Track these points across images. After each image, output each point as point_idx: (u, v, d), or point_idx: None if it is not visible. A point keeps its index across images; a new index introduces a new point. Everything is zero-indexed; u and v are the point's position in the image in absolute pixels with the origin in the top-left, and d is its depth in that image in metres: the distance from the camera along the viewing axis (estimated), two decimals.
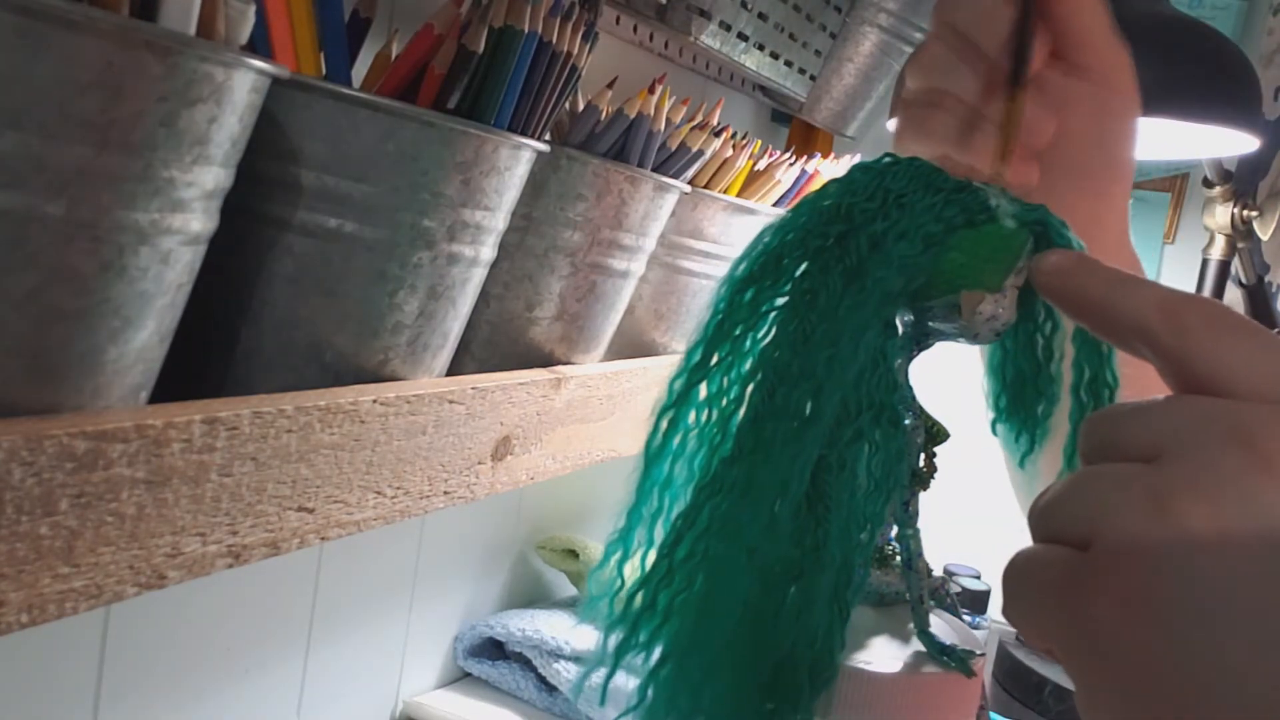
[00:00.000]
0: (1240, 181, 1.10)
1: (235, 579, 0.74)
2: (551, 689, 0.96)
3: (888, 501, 0.35)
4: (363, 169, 0.46)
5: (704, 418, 0.35)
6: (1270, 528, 0.24)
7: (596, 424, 0.69)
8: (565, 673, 0.94)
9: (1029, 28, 0.40)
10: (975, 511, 1.18)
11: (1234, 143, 0.90)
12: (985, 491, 0.93)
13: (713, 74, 1.19)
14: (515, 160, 0.52)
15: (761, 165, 0.83)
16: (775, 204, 0.85)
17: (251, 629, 0.77)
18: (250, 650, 0.78)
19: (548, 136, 0.57)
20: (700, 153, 0.70)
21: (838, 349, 0.33)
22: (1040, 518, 0.28)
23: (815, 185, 0.67)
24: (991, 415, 0.40)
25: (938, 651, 0.38)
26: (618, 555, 0.36)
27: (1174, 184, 1.43)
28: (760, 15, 1.03)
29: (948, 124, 0.41)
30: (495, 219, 0.53)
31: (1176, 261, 1.42)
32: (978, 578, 1.27)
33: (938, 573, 0.41)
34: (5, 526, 0.33)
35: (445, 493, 0.55)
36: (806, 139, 1.35)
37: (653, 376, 0.74)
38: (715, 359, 0.35)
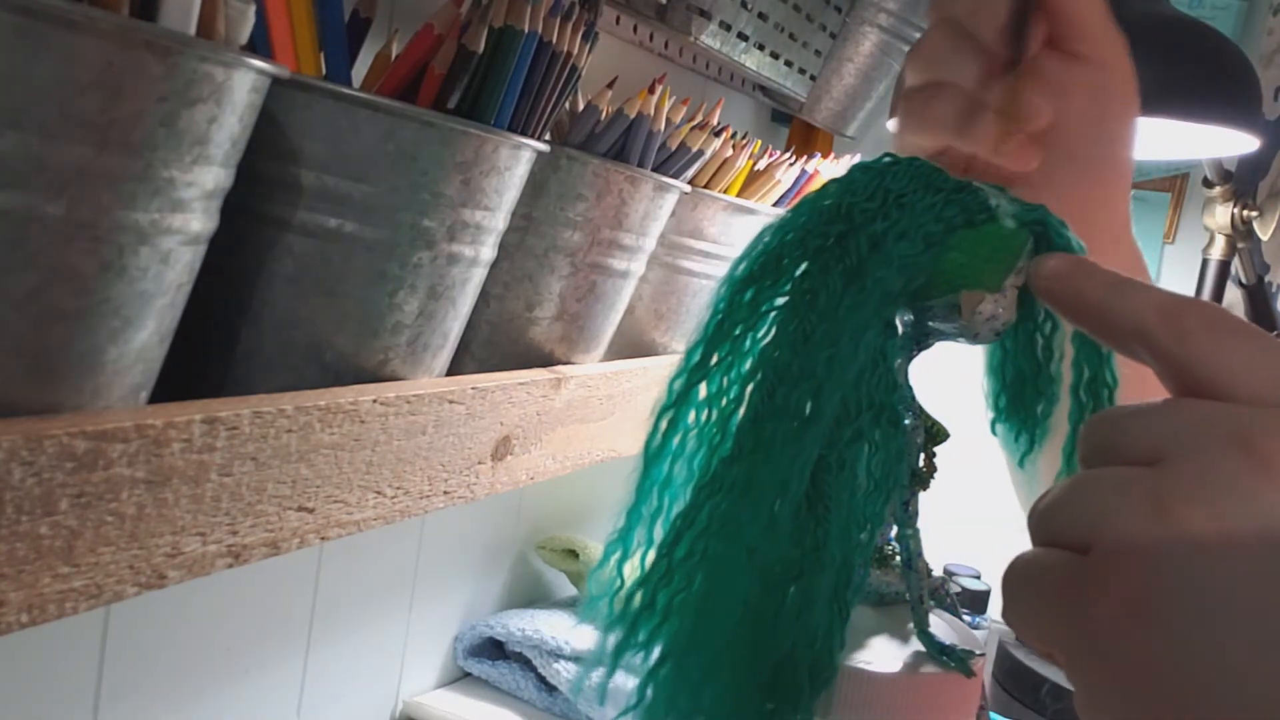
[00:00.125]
0: (1240, 181, 1.10)
1: (235, 579, 0.74)
2: (551, 689, 0.96)
3: (888, 501, 0.35)
4: (363, 169, 0.46)
5: (704, 417, 0.35)
6: (1270, 529, 0.24)
7: (596, 424, 0.69)
8: (565, 673, 0.94)
9: (1027, 11, 0.40)
10: (975, 511, 1.18)
11: (1234, 143, 0.90)
12: (985, 491, 0.93)
13: (713, 74, 1.19)
14: (515, 160, 0.52)
15: (761, 165, 0.83)
16: (775, 204, 0.85)
17: (251, 629, 0.77)
18: (250, 650, 0.78)
19: (548, 136, 0.57)
20: (700, 153, 0.70)
21: (838, 349, 0.33)
22: (1040, 521, 0.28)
23: (815, 185, 0.67)
24: (991, 415, 0.40)
25: (938, 651, 0.38)
26: (617, 555, 0.36)
27: (1174, 184, 1.43)
28: (760, 15, 1.03)
29: (947, 113, 0.41)
30: (495, 219, 0.53)
31: (1176, 261, 1.42)
32: (978, 578, 1.27)
33: (938, 573, 0.41)
34: (5, 526, 0.33)
35: (445, 493, 0.55)
36: (806, 139, 1.35)
37: (653, 376, 0.74)
38: (715, 359, 0.35)
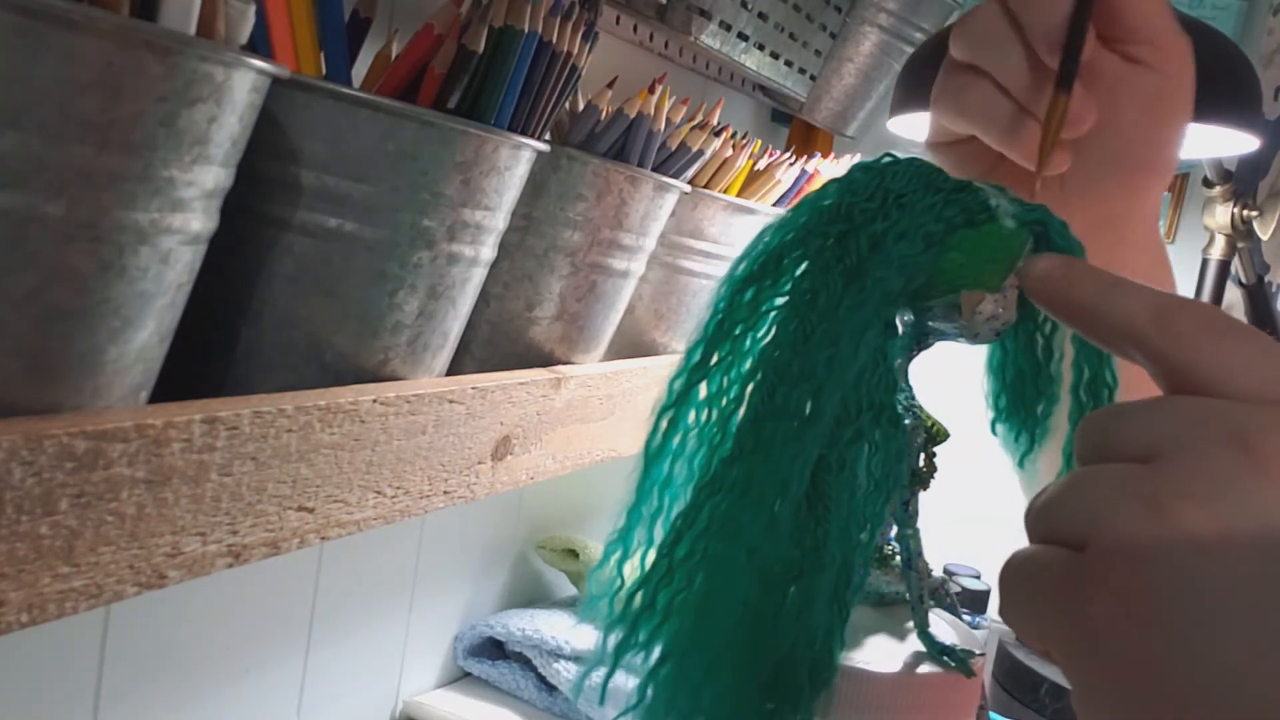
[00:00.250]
0: (1240, 181, 1.09)
1: (235, 579, 0.74)
2: (551, 689, 0.96)
3: (888, 501, 0.35)
4: (363, 169, 0.46)
5: (704, 417, 0.35)
6: (1267, 528, 0.24)
7: (596, 424, 0.69)
8: (565, 672, 0.94)
9: (1084, 25, 0.38)
10: (975, 511, 1.18)
11: (1234, 143, 0.90)
12: (985, 491, 0.93)
13: (713, 74, 1.19)
14: (515, 160, 0.52)
15: (761, 165, 0.83)
16: (775, 204, 0.85)
17: (251, 629, 0.77)
18: (250, 650, 0.78)
19: (548, 136, 0.57)
20: (700, 153, 0.70)
21: (838, 349, 0.33)
22: (1036, 518, 0.28)
23: (815, 185, 0.67)
24: (991, 415, 0.40)
25: (938, 651, 0.38)
26: (618, 555, 0.36)
27: (1174, 184, 1.43)
28: (760, 15, 1.03)
29: (984, 108, 0.40)
30: (495, 219, 0.53)
31: (1176, 261, 1.41)
32: (978, 578, 1.27)
33: (938, 573, 0.41)
34: (5, 526, 0.33)
35: (445, 492, 0.55)
36: (806, 139, 1.35)
37: (653, 376, 0.74)
38: (715, 359, 0.35)
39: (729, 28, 0.99)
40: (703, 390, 0.35)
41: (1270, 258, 1.22)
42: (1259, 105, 0.87)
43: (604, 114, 0.63)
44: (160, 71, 0.34)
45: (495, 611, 1.04)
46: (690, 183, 0.73)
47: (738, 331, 0.35)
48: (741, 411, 0.35)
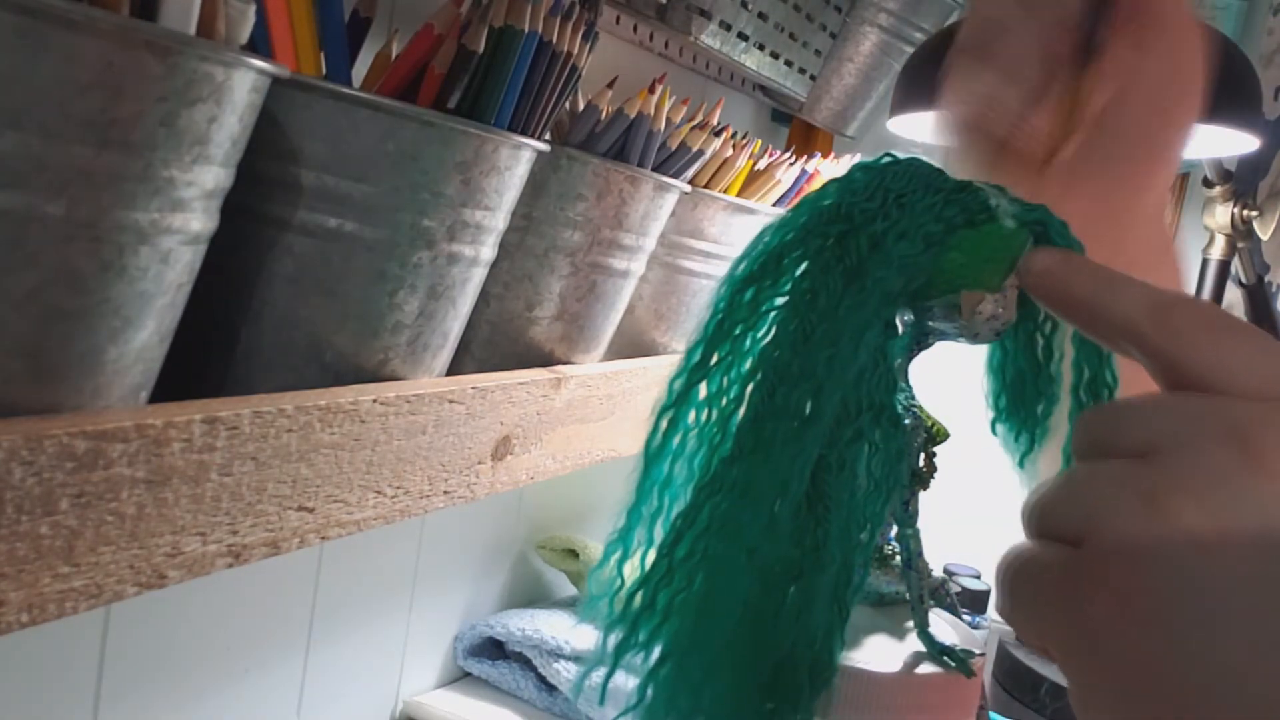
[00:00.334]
0: (1240, 181, 1.10)
1: (235, 579, 0.74)
2: (551, 689, 0.96)
3: (888, 501, 0.35)
4: (363, 169, 0.46)
5: (704, 417, 0.35)
6: (1265, 526, 0.24)
7: (596, 424, 0.69)
8: (565, 672, 0.94)
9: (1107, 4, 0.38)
10: (975, 511, 1.18)
11: (1234, 143, 0.90)
12: (985, 491, 0.93)
13: (713, 74, 1.19)
14: (515, 160, 0.52)
15: (761, 165, 0.83)
16: (775, 204, 0.85)
17: (251, 629, 0.77)
18: (250, 650, 0.78)
19: (548, 136, 0.57)
20: (700, 152, 0.70)
21: (838, 349, 0.33)
22: (1033, 515, 0.28)
23: (815, 185, 0.67)
24: (991, 415, 0.40)
25: (938, 651, 0.38)
26: (618, 555, 0.36)
27: (1174, 184, 1.43)
28: (760, 15, 1.03)
29: (997, 90, 0.40)
30: (495, 219, 0.53)
31: None
32: (978, 578, 1.27)
33: (938, 573, 0.41)
34: (5, 526, 0.33)
35: (445, 492, 0.55)
36: (806, 139, 1.35)
37: (653, 376, 0.74)
38: (715, 359, 0.35)
39: (729, 28, 0.99)
40: (703, 390, 0.35)
41: (1270, 258, 1.22)
42: (1259, 105, 0.87)
43: (604, 114, 0.63)
44: (160, 71, 0.34)
45: (495, 611, 1.04)
46: (690, 183, 0.73)
47: (738, 331, 0.35)
48: (741, 411, 0.35)
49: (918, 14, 1.20)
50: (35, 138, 0.32)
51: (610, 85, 0.64)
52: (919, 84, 0.92)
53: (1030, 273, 0.32)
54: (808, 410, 0.34)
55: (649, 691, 0.34)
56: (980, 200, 0.34)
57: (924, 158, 0.36)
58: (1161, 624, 0.25)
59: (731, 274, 0.35)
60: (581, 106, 0.64)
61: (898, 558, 0.40)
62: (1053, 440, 0.38)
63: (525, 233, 0.61)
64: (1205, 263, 1.13)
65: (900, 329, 0.36)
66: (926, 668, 0.37)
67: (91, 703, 0.65)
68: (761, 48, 1.06)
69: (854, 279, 0.34)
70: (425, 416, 0.51)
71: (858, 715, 0.36)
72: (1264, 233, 1.10)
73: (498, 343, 0.62)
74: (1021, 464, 0.39)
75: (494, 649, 1.01)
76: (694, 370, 0.35)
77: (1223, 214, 1.10)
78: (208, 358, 0.47)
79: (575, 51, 0.54)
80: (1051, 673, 1.17)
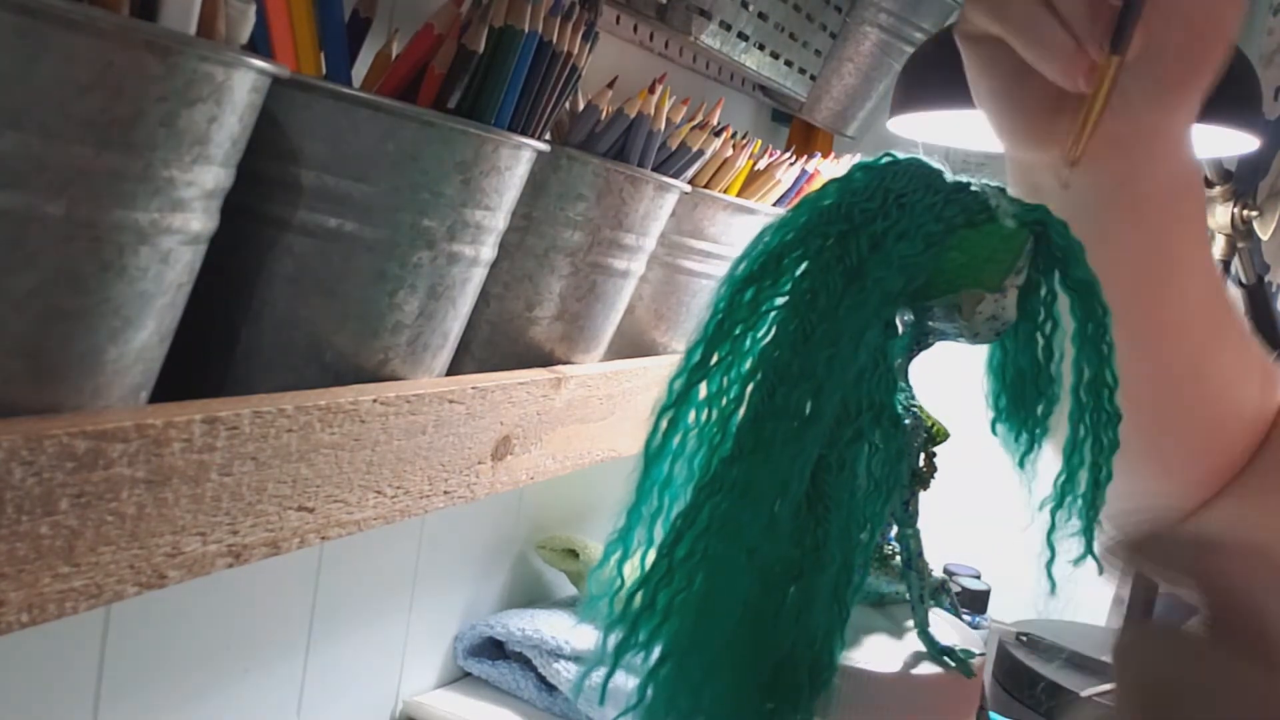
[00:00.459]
0: (1240, 181, 1.09)
1: (235, 579, 0.74)
2: (551, 689, 0.96)
3: (888, 501, 0.35)
4: (363, 169, 0.46)
5: (704, 417, 0.35)
6: None
7: (596, 424, 0.69)
8: (565, 672, 0.94)
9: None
10: (975, 511, 1.18)
11: (1234, 143, 0.90)
12: (985, 491, 0.93)
13: (713, 74, 1.19)
14: (515, 160, 0.52)
15: (761, 165, 0.83)
16: (775, 204, 0.85)
17: (251, 629, 0.77)
18: (250, 650, 0.78)
19: (548, 136, 0.57)
20: (700, 152, 0.70)
21: (838, 349, 0.33)
22: None
23: (815, 185, 0.67)
24: (991, 415, 0.40)
25: (938, 651, 0.38)
26: (618, 555, 0.36)
27: None
28: (760, 15, 1.03)
29: (1027, 19, 0.40)
30: (495, 219, 0.53)
31: None
32: (978, 578, 1.27)
33: (938, 573, 0.41)
34: (5, 526, 0.33)
35: (445, 492, 0.55)
36: (806, 139, 1.35)
37: (653, 376, 0.74)
38: (715, 358, 0.35)
39: (729, 28, 0.99)
40: (703, 390, 0.35)
41: (1270, 258, 1.22)
42: (1259, 105, 0.87)
43: (604, 114, 0.63)
44: (160, 71, 0.34)
45: (495, 611, 1.04)
46: (690, 183, 0.73)
47: (738, 331, 0.35)
48: (741, 411, 0.35)
49: (918, 14, 1.20)
50: (35, 138, 0.32)
51: (610, 85, 0.64)
52: (919, 84, 0.92)
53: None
54: (808, 410, 0.34)
55: (649, 691, 0.34)
56: (980, 200, 0.34)
57: (924, 158, 0.36)
58: None
59: (731, 274, 0.35)
60: (581, 106, 0.64)
61: (898, 558, 0.40)
62: (1053, 440, 0.38)
63: (525, 233, 0.61)
64: None
65: (900, 329, 0.36)
66: (926, 668, 0.37)
67: (91, 703, 0.65)
68: (761, 48, 1.06)
69: (854, 279, 0.34)
70: (425, 416, 0.51)
71: (858, 715, 0.36)
72: (1264, 233, 1.10)
73: (498, 343, 0.62)
74: (1021, 464, 0.39)
75: (494, 649, 1.01)
76: (694, 370, 0.35)
77: (1223, 214, 1.10)
78: (208, 358, 0.47)
79: (575, 51, 0.54)
80: (1050, 672, 1.17)
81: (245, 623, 0.77)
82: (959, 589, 1.24)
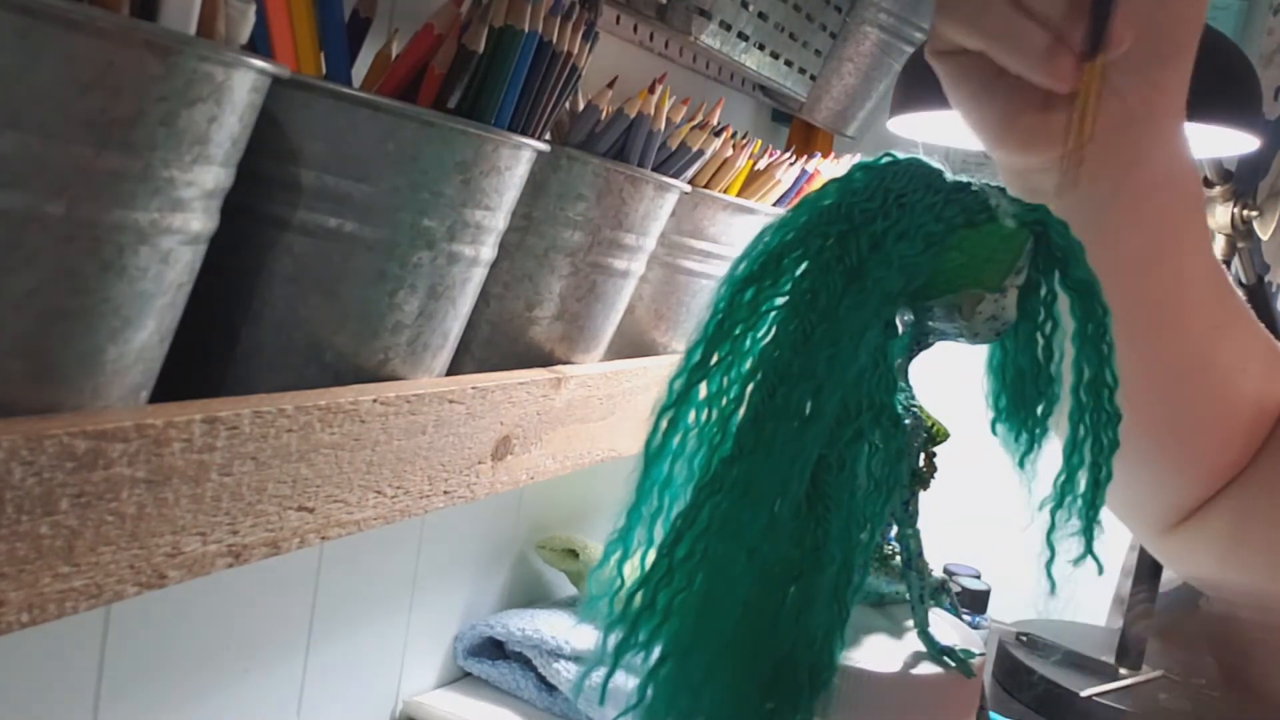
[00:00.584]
0: (1240, 181, 1.09)
1: (235, 579, 0.74)
2: (551, 689, 0.96)
3: (888, 501, 0.35)
4: (363, 169, 0.46)
5: (704, 417, 0.35)
6: None
7: (596, 424, 0.69)
8: (565, 672, 0.94)
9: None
10: (975, 511, 1.18)
11: (1234, 143, 0.90)
12: (985, 491, 0.93)
13: (713, 74, 1.19)
14: (515, 160, 0.52)
15: (761, 165, 0.83)
16: (775, 204, 0.85)
17: (251, 629, 0.77)
18: (250, 650, 0.78)
19: (548, 136, 0.57)
20: (700, 152, 0.70)
21: (838, 349, 0.33)
22: None
23: (815, 185, 0.67)
24: (991, 415, 0.40)
25: (938, 651, 0.38)
26: (617, 555, 0.36)
27: None
28: (760, 15, 1.03)
29: (1004, 26, 0.40)
30: (495, 219, 0.53)
31: None
32: (978, 578, 1.27)
33: (938, 573, 0.41)
34: (5, 526, 0.33)
35: (445, 492, 0.55)
36: (806, 139, 1.35)
37: (653, 376, 0.74)
38: (715, 358, 0.35)
39: (729, 27, 0.99)
40: (703, 390, 0.35)
41: (1270, 258, 1.22)
42: (1259, 105, 0.87)
43: (604, 114, 0.63)
44: (160, 71, 0.34)
45: (495, 611, 1.04)
46: (690, 183, 0.73)
47: (738, 331, 0.35)
48: (741, 411, 0.35)
49: (917, 14, 1.20)
50: (35, 138, 0.32)
51: (610, 85, 0.64)
52: (919, 84, 0.92)
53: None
54: (808, 410, 0.34)
55: (649, 691, 0.34)
56: (980, 200, 0.34)
57: (924, 158, 0.36)
58: None
59: (731, 274, 0.35)
60: (581, 106, 0.64)
61: (898, 558, 0.40)
62: (1053, 440, 0.38)
63: (525, 233, 0.61)
64: None
65: (900, 329, 0.36)
66: (926, 668, 0.37)
67: (91, 703, 0.65)
68: (761, 48, 1.06)
69: (854, 279, 0.34)
70: (425, 416, 0.51)
71: (858, 715, 0.36)
72: (1264, 233, 1.10)
73: (498, 343, 0.62)
74: (1021, 464, 0.39)
75: (494, 649, 1.01)
76: (694, 370, 0.35)
77: (1222, 214, 1.10)
78: (208, 358, 0.47)
79: (575, 51, 0.54)
80: (1050, 672, 1.17)
81: (245, 623, 0.77)
82: (959, 589, 1.24)
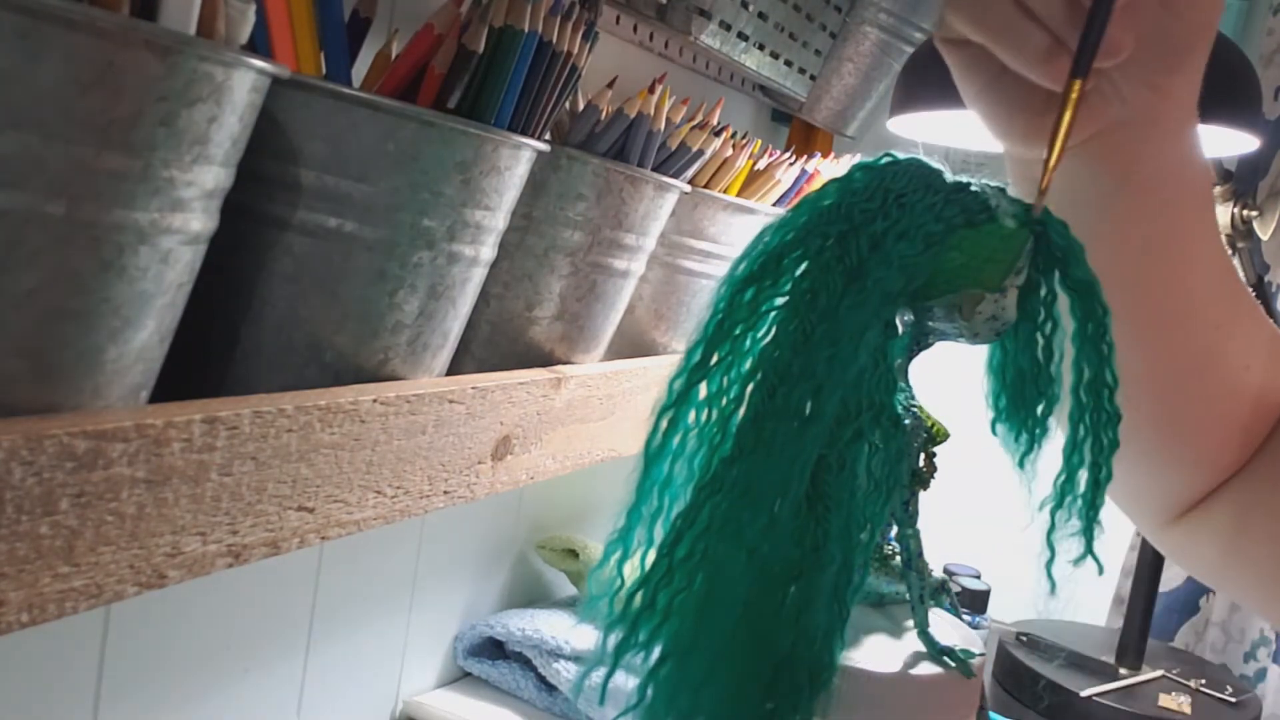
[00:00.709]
0: (1240, 181, 1.10)
1: (235, 579, 0.74)
2: (551, 689, 0.96)
3: (888, 501, 0.35)
4: (363, 169, 0.46)
5: (704, 417, 0.35)
6: None
7: (596, 424, 0.69)
8: (565, 672, 0.94)
9: (1104, 16, 0.38)
10: (975, 511, 1.18)
11: (1234, 143, 0.90)
12: (985, 491, 0.93)
13: (713, 74, 1.19)
14: (515, 160, 0.52)
15: (761, 165, 0.83)
16: (775, 204, 0.85)
17: (251, 629, 0.77)
18: (250, 650, 0.78)
19: (548, 136, 0.57)
20: (700, 152, 0.70)
21: (838, 349, 0.33)
22: None
23: (815, 185, 0.67)
24: (991, 415, 0.40)
25: (938, 651, 0.38)
26: (618, 555, 0.36)
27: None
28: (760, 15, 1.03)
29: (1006, 24, 0.40)
30: (495, 218, 0.53)
31: None
32: (978, 578, 1.27)
33: (938, 573, 0.41)
34: (5, 526, 0.33)
35: (445, 492, 0.55)
36: (806, 139, 1.35)
37: (653, 376, 0.74)
38: (715, 358, 0.35)
39: (729, 27, 0.99)
40: (703, 390, 0.35)
41: (1270, 258, 1.22)
42: (1259, 105, 0.87)
43: (604, 114, 0.63)
44: (160, 71, 0.34)
45: (495, 611, 1.04)
46: (690, 183, 0.73)
47: (738, 331, 0.35)
48: (741, 411, 0.35)
49: (917, 14, 1.20)
50: (35, 138, 0.32)
51: (610, 85, 0.64)
52: (919, 84, 0.92)
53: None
54: (808, 410, 0.34)
55: (649, 691, 0.34)
56: (980, 200, 0.34)
57: (924, 158, 0.36)
58: None
59: (731, 274, 0.35)
60: (581, 106, 0.64)
61: (898, 558, 0.40)
62: (1053, 440, 0.38)
63: (525, 233, 0.61)
64: None
65: (900, 329, 0.36)
66: (926, 668, 0.37)
67: (91, 703, 0.65)
68: (761, 48, 1.06)
69: (854, 279, 0.34)
70: (425, 416, 0.51)
71: (858, 715, 0.36)
72: (1264, 233, 1.10)
73: (498, 343, 0.62)
74: (1021, 464, 0.39)
75: (494, 649, 1.01)
76: (694, 370, 0.35)
77: (1223, 214, 1.10)
78: (208, 358, 0.47)
79: (575, 51, 0.54)
80: (1049, 672, 1.17)
81: (245, 623, 0.77)
82: (959, 589, 1.24)
